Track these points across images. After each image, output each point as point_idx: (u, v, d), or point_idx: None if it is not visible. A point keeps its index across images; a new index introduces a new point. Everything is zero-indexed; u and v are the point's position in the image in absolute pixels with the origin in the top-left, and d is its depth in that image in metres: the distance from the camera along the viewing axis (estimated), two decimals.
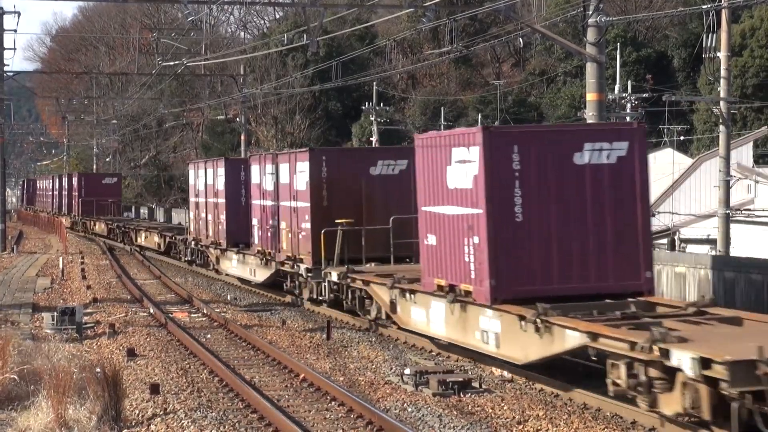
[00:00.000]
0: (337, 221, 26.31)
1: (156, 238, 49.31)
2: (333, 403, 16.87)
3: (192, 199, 40.64)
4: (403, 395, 17.47)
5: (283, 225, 29.45)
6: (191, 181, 41.11)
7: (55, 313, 25.22)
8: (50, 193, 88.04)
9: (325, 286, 26.46)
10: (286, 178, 29.21)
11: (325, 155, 27.84)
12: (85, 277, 39.10)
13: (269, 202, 30.71)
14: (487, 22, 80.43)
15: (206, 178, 38.33)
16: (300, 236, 28.00)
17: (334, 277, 25.61)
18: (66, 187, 78.11)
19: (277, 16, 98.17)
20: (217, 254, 37.46)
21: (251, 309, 29.95)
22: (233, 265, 35.69)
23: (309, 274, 27.55)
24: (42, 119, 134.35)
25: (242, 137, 57.49)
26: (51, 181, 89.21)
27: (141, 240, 53.12)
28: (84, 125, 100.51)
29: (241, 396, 17.35)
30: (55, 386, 15.22)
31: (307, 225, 27.44)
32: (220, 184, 36.45)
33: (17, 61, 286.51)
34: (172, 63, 49.70)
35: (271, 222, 30.54)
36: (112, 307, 30.28)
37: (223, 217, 36.18)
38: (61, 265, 41.32)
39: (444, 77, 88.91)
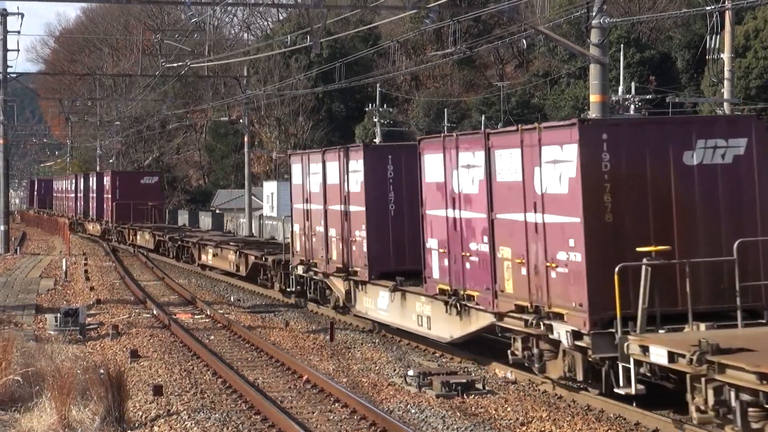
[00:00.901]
0: (639, 249, 15.43)
1: (232, 257, 37.49)
2: (336, 404, 16.87)
3: (299, 206, 28.95)
4: (406, 396, 17.47)
5: (503, 252, 18.41)
6: (296, 180, 29.46)
7: (59, 315, 25.23)
8: (72, 195, 77.02)
9: (628, 368, 14.77)
10: (513, 174, 17.92)
11: (607, 132, 16.33)
12: (88, 279, 39.11)
13: (471, 214, 19.54)
14: (490, 24, 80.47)
15: (326, 176, 26.85)
16: (552, 274, 16.81)
17: (658, 356, 13.76)
18: (94, 188, 66.77)
19: (281, 18, 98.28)
20: (349, 287, 25.79)
21: (254, 310, 29.94)
22: (381, 307, 23.97)
23: (577, 343, 16.17)
24: (45, 120, 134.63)
25: (245, 139, 57.52)
26: (73, 181, 77.41)
27: (207, 258, 41.16)
28: (87, 126, 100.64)
29: (245, 397, 17.35)
30: (58, 387, 15.22)
31: (575, 256, 16.20)
32: (355, 185, 25.09)
33: (20, 63, 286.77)
34: (175, 64, 49.71)
35: (474, 246, 19.50)
36: (116, 309, 30.29)
37: (360, 233, 24.68)
38: (64, 267, 41.33)
39: (447, 78, 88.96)
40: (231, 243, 39.10)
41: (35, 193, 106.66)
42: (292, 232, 29.86)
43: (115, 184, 61.00)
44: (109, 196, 61.38)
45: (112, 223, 60.81)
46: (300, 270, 28.87)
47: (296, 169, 29.50)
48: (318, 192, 27.39)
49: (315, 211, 27.66)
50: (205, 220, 65.68)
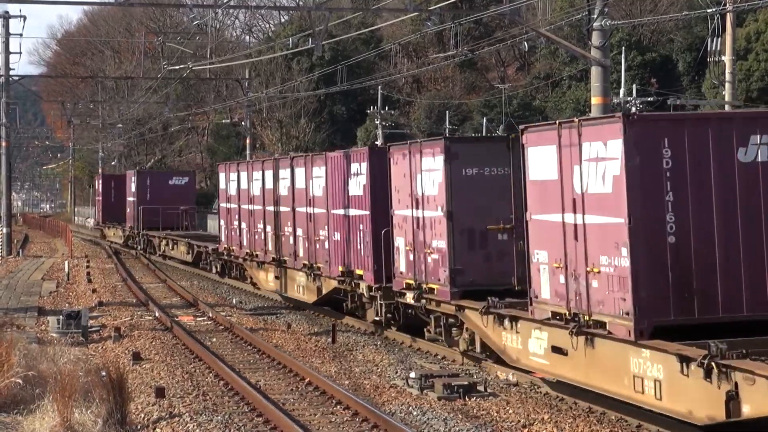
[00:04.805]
0: None
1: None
2: (338, 406, 16.89)
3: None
4: (408, 399, 17.49)
5: None
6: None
7: (61, 317, 25.27)
8: (363, 199, 24.47)
9: None
10: None
11: None
12: (90, 281, 39.13)
13: None
14: (491, 26, 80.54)
15: None
16: None
17: None
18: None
19: (283, 20, 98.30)
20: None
21: (256, 313, 29.96)
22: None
23: None
24: (47, 123, 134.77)
25: (247, 141, 57.55)
26: (364, 166, 24.48)
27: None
28: (89, 129, 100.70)
29: (247, 399, 17.38)
30: (60, 390, 15.24)
31: None
32: None
33: (23, 65, 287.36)
34: (177, 67, 49.79)
35: None
36: (118, 311, 30.32)
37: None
38: (66, 269, 41.36)
39: (449, 81, 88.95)
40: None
41: (131, 199, 57.09)
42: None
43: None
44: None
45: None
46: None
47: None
48: None
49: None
50: (213, 224, 58.98)
